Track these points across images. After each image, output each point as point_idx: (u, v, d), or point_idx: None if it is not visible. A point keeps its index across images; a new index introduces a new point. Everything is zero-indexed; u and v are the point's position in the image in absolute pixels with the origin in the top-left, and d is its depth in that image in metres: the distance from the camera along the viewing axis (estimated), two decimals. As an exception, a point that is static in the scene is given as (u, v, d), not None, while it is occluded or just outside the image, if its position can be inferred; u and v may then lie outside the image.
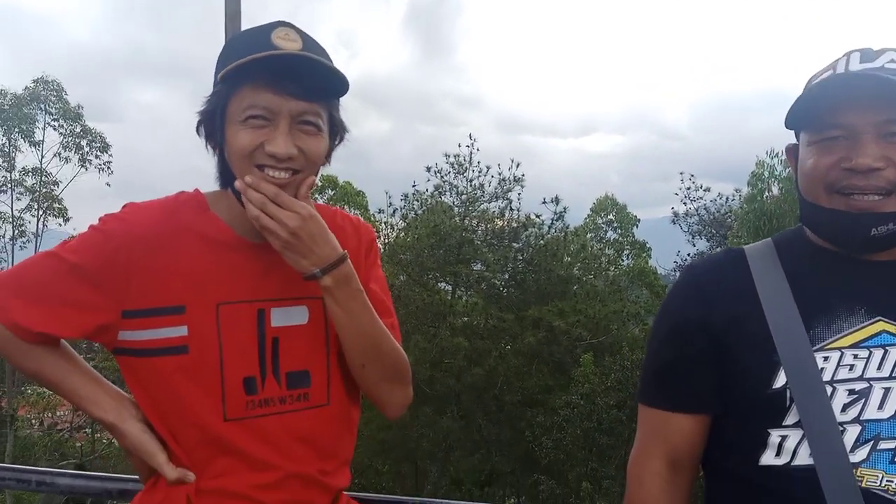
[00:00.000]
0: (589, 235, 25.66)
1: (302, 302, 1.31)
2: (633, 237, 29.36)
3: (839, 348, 1.12)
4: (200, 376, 1.24)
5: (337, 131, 1.32)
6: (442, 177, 16.73)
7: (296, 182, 1.23)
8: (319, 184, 29.20)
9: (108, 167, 21.68)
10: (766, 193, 15.63)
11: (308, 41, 1.24)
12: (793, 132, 1.26)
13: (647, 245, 28.82)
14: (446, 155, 16.69)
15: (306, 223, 1.20)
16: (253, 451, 1.25)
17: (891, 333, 1.12)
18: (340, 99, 1.31)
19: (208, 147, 1.29)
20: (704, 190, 19.92)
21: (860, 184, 1.10)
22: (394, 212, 17.39)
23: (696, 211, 19.98)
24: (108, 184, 21.89)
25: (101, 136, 21.51)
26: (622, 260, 25.31)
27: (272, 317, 1.28)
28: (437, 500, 1.62)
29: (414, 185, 17.04)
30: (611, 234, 29.11)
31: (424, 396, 15.07)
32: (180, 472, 1.25)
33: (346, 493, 1.42)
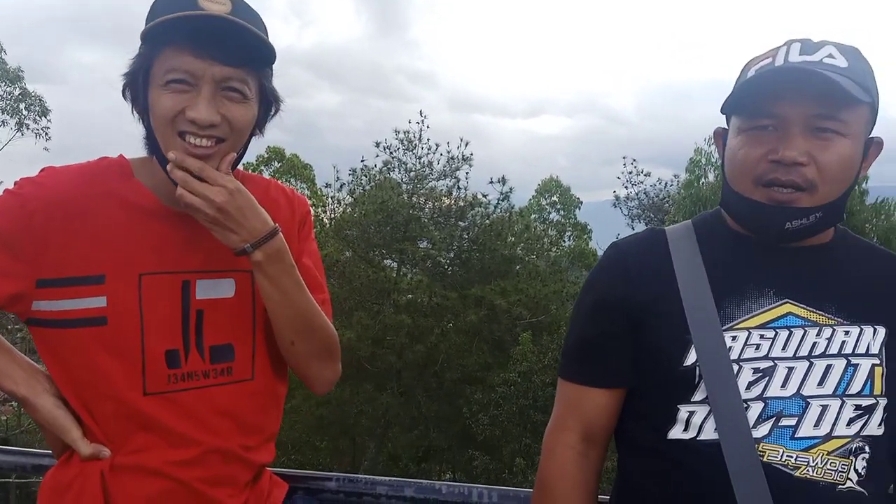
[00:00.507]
0: (533, 216, 26.00)
1: (229, 274, 1.29)
2: (576, 219, 29.82)
3: (747, 328, 1.16)
4: (119, 349, 1.20)
5: (270, 101, 1.27)
6: (391, 153, 16.64)
7: (221, 152, 1.19)
8: (265, 155, 28.67)
9: (46, 132, 20.67)
10: (703, 180, 16.11)
11: (239, 5, 1.18)
12: (724, 117, 1.27)
13: (589, 227, 29.32)
14: (396, 131, 16.59)
15: (233, 197, 1.17)
16: (173, 425, 1.22)
17: (796, 316, 1.17)
18: (278, 68, 1.26)
19: (133, 112, 1.23)
20: (645, 175, 20.36)
21: (783, 178, 1.13)
22: (341, 186, 17.24)
23: (637, 195, 20.41)
24: (45, 149, 20.94)
25: (40, 100, 20.47)
26: (564, 241, 25.71)
27: (197, 289, 1.25)
28: (363, 475, 1.66)
29: (363, 161, 16.92)
30: (554, 216, 29.52)
31: (365, 373, 15.12)
32: (94, 448, 1.21)
33: (269, 468, 1.42)
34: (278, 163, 27.58)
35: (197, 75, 1.14)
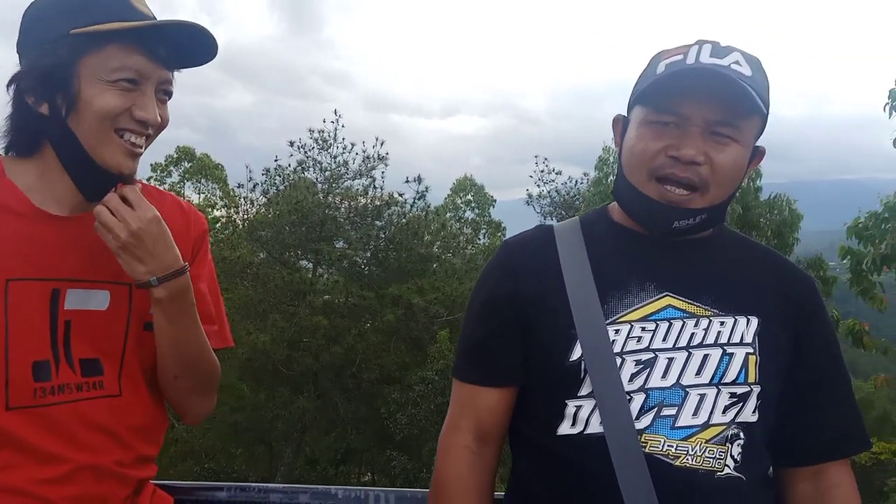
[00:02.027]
0: (449, 215, 26.12)
1: (105, 286, 1.22)
2: (490, 217, 30.19)
3: (629, 321, 1.19)
4: None
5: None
6: (306, 152, 16.35)
7: (143, 150, 1.21)
8: (175, 155, 27.51)
9: None
10: (611, 177, 16.65)
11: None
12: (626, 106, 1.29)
13: (503, 225, 29.75)
14: (311, 130, 16.31)
15: (150, 225, 1.15)
16: (38, 442, 1.14)
17: (675, 308, 1.21)
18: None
19: (30, 102, 1.16)
20: (557, 173, 20.86)
21: (679, 174, 1.16)
22: (254, 187, 16.80)
23: (549, 193, 20.91)
24: None
25: None
26: (479, 239, 26.00)
27: (67, 298, 1.19)
28: (255, 483, 1.60)
29: (276, 160, 16.54)
30: (469, 214, 29.78)
31: (281, 377, 14.81)
32: None
33: (153, 482, 1.36)
34: (188, 163, 26.54)
35: (145, 76, 1.16)
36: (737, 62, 1.17)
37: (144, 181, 1.33)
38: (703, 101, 1.16)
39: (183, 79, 1.29)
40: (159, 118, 1.19)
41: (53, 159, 1.19)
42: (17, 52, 1.21)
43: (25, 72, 1.16)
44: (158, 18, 1.20)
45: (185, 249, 1.33)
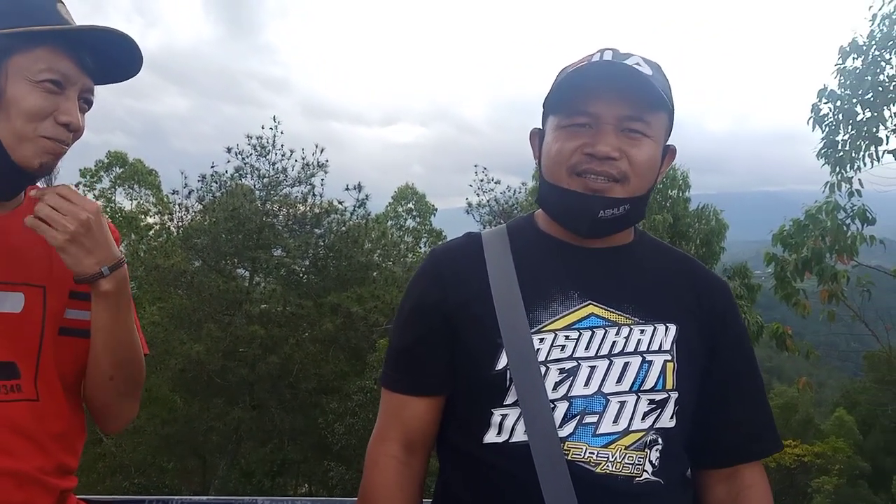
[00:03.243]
0: (389, 223, 26.09)
1: (18, 288, 1.20)
2: (431, 225, 30.26)
3: (553, 330, 1.20)
4: None
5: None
6: (243, 159, 16.02)
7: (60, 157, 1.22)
8: (106, 161, 26.52)
9: None
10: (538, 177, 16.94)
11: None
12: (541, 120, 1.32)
13: (444, 234, 29.86)
14: (248, 136, 15.99)
15: (97, 216, 1.15)
16: None
17: (598, 316, 1.22)
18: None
19: None
20: (496, 182, 21.04)
21: (597, 169, 1.19)
22: (189, 193, 16.34)
23: (488, 202, 21.12)
24: None
25: None
26: (420, 247, 26.00)
27: None
28: (175, 496, 1.55)
29: (213, 166, 16.16)
30: (410, 223, 29.77)
31: (216, 387, 14.43)
32: None
33: (76, 495, 1.33)
34: (120, 168, 25.64)
35: (71, 81, 1.18)
36: (638, 63, 1.22)
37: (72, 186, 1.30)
38: (611, 99, 1.20)
39: (117, 85, 1.31)
40: (82, 124, 1.20)
41: None
42: None
43: None
44: (87, 24, 1.21)
45: None
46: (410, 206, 30.59)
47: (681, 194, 13.94)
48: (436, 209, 31.31)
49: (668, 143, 1.30)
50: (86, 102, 1.23)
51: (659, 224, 12.69)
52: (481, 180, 20.99)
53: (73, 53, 1.18)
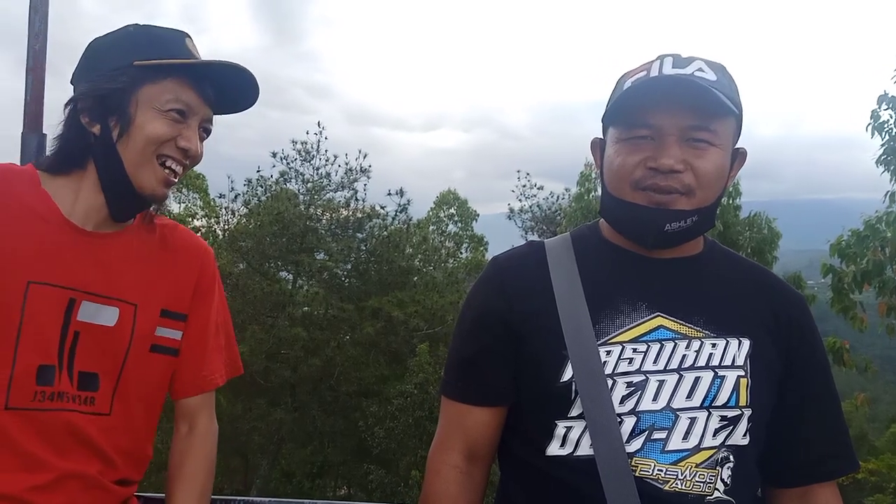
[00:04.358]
0: (431, 228, 26.11)
1: (115, 303, 1.26)
2: (472, 231, 30.24)
3: (621, 342, 1.18)
4: None
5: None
6: (288, 163, 16.25)
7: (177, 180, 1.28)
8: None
9: None
10: (593, 193, 16.78)
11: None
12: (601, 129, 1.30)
13: (485, 239, 29.83)
14: (293, 142, 16.23)
15: None
16: (29, 446, 1.17)
17: (667, 329, 1.19)
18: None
19: (84, 122, 1.23)
20: (538, 188, 20.97)
21: (661, 183, 1.16)
22: (235, 197, 16.65)
23: (531, 208, 20.99)
24: None
25: None
26: (461, 253, 26.01)
27: (80, 309, 1.22)
28: (237, 497, 1.58)
29: (259, 171, 16.44)
30: (451, 228, 29.80)
31: (259, 388, 14.64)
32: None
33: (139, 494, 1.39)
34: (168, 171, 26.24)
35: (193, 111, 1.26)
36: (700, 69, 1.18)
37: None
38: (672, 111, 1.16)
39: None
40: (200, 151, 1.29)
41: (92, 177, 1.25)
42: (72, 82, 1.30)
43: (85, 93, 1.24)
44: (214, 59, 1.28)
45: (187, 292, 1.38)
46: (452, 211, 30.64)
47: (731, 202, 13.60)
48: (477, 214, 31.30)
49: (738, 146, 1.25)
50: (205, 131, 1.31)
51: (707, 233, 12.36)
52: (524, 186, 20.94)
53: (197, 85, 1.25)
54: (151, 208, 1.34)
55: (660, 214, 1.18)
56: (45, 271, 1.20)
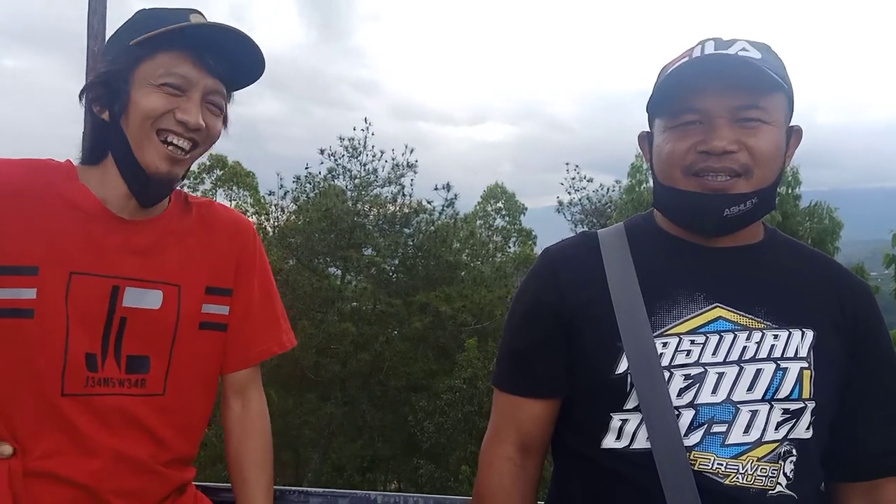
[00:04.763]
0: (478, 222, 26.14)
1: (158, 286, 1.28)
2: (521, 225, 30.12)
3: (678, 334, 1.15)
4: (42, 344, 1.18)
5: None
6: (335, 160, 16.45)
7: (193, 156, 1.26)
8: (208, 163, 28.01)
9: None
10: (644, 185, 16.49)
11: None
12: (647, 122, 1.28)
13: (533, 233, 29.67)
14: (340, 138, 16.40)
15: None
16: (86, 429, 1.20)
17: (726, 320, 1.16)
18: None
19: (96, 110, 1.25)
20: (588, 180, 20.76)
21: (715, 166, 1.12)
22: (285, 194, 16.94)
23: (580, 201, 20.80)
24: None
25: None
26: (509, 247, 25.91)
27: (125, 296, 1.25)
28: (294, 487, 1.60)
29: (307, 168, 16.68)
30: (499, 222, 29.75)
31: (309, 383, 14.88)
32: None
33: (196, 483, 1.41)
34: (220, 171, 26.96)
35: (192, 83, 1.22)
36: (743, 49, 1.14)
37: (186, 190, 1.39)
38: (718, 92, 1.13)
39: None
40: (202, 123, 1.23)
41: (113, 165, 1.27)
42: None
43: (91, 82, 1.24)
44: (201, 22, 1.24)
45: (229, 267, 1.39)
46: (500, 205, 30.57)
47: (790, 191, 13.18)
48: (525, 208, 31.17)
49: (792, 124, 1.20)
50: (214, 105, 1.27)
51: (766, 223, 12.02)
52: (573, 178, 20.75)
53: (195, 55, 1.22)
54: (175, 187, 1.33)
55: (717, 199, 1.14)
56: (86, 261, 1.22)
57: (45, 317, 1.18)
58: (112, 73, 1.22)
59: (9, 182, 1.20)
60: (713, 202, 1.14)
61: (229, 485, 1.46)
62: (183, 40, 1.21)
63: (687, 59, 1.17)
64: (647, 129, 1.28)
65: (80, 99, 1.27)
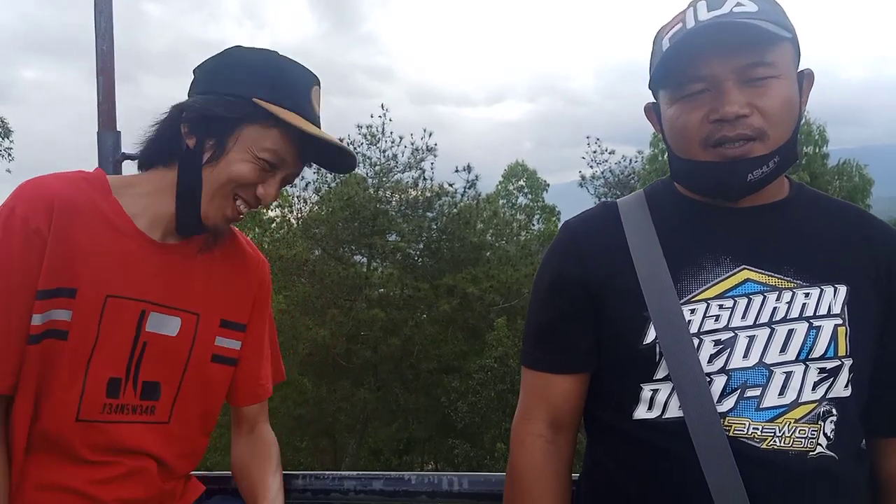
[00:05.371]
0: (501, 202, 26.04)
1: (178, 313, 1.27)
2: (543, 202, 29.97)
3: (705, 300, 1.13)
4: (67, 368, 1.16)
5: None
6: (355, 148, 16.47)
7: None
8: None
9: (10, 153, 20.70)
10: (667, 153, 16.29)
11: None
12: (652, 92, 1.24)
13: (557, 209, 29.51)
14: (359, 126, 16.45)
15: None
16: (92, 456, 1.20)
17: (755, 282, 1.14)
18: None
19: (183, 131, 1.22)
20: (610, 153, 20.49)
21: (730, 134, 1.10)
22: (307, 185, 17.04)
23: (602, 174, 20.58)
24: (8, 170, 20.84)
25: (2, 121, 20.44)
26: (533, 224, 25.80)
27: (149, 320, 1.23)
28: (328, 472, 1.63)
29: (327, 157, 16.71)
30: (522, 200, 29.63)
31: (341, 370, 15.03)
32: None
33: (218, 470, 1.45)
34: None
35: (285, 164, 1.25)
36: (737, 3, 1.10)
37: None
38: (721, 55, 1.10)
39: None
40: (276, 198, 1.28)
41: (170, 180, 1.25)
42: (194, 72, 1.28)
43: (195, 108, 1.22)
44: (325, 135, 1.25)
45: (246, 303, 1.39)
46: (521, 183, 30.41)
47: (817, 150, 12.93)
48: (548, 185, 30.98)
49: (801, 68, 1.17)
50: (287, 183, 1.30)
51: (791, 178, 11.82)
52: (594, 152, 20.53)
53: (300, 146, 1.24)
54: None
55: (740, 165, 1.11)
56: (122, 285, 1.21)
57: (76, 340, 1.16)
58: (221, 119, 1.20)
59: (55, 201, 1.16)
60: (736, 168, 1.12)
61: (219, 473, 1.50)
62: (300, 131, 1.22)
63: (681, 25, 1.14)
64: (653, 99, 1.26)
65: (172, 107, 1.25)
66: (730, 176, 1.12)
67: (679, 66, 1.13)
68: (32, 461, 1.18)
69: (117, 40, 2.02)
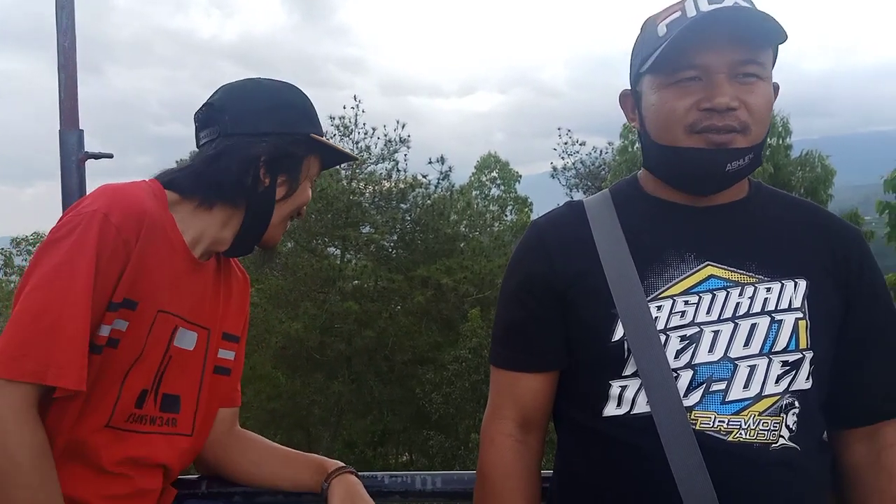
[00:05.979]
0: (474, 193, 26.08)
1: (196, 328, 1.31)
2: (516, 193, 30.06)
3: (671, 296, 1.15)
4: (110, 375, 1.19)
5: None
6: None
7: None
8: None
9: None
10: (636, 145, 16.42)
11: None
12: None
13: (529, 200, 29.61)
14: (331, 118, 16.32)
15: None
16: (111, 464, 1.21)
17: (718, 278, 1.16)
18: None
19: (261, 173, 1.30)
20: (581, 144, 20.63)
21: (718, 123, 1.11)
22: (277, 177, 16.88)
23: (574, 165, 20.71)
24: None
25: None
26: (506, 216, 25.91)
27: (177, 335, 1.27)
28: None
29: (298, 149, 16.57)
30: (494, 191, 29.68)
31: (315, 363, 14.99)
32: None
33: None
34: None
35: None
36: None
37: None
38: (717, 48, 1.11)
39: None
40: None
41: (238, 218, 1.32)
42: (224, 110, 1.32)
43: (271, 151, 1.29)
44: None
45: (242, 316, 1.47)
46: (494, 174, 30.44)
47: (781, 142, 13.14)
48: (520, 176, 31.05)
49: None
50: None
51: (758, 175, 12.02)
52: (565, 143, 20.65)
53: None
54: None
55: (720, 154, 1.13)
56: (170, 300, 1.24)
57: (125, 350, 1.19)
58: (292, 157, 1.33)
59: (146, 218, 1.19)
60: (717, 157, 1.13)
61: (188, 478, 1.49)
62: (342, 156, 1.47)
63: (680, 14, 1.14)
64: (629, 87, 1.27)
65: (245, 151, 1.28)
66: (710, 164, 1.14)
67: (673, 54, 1.13)
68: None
69: (82, 29, 1.97)
